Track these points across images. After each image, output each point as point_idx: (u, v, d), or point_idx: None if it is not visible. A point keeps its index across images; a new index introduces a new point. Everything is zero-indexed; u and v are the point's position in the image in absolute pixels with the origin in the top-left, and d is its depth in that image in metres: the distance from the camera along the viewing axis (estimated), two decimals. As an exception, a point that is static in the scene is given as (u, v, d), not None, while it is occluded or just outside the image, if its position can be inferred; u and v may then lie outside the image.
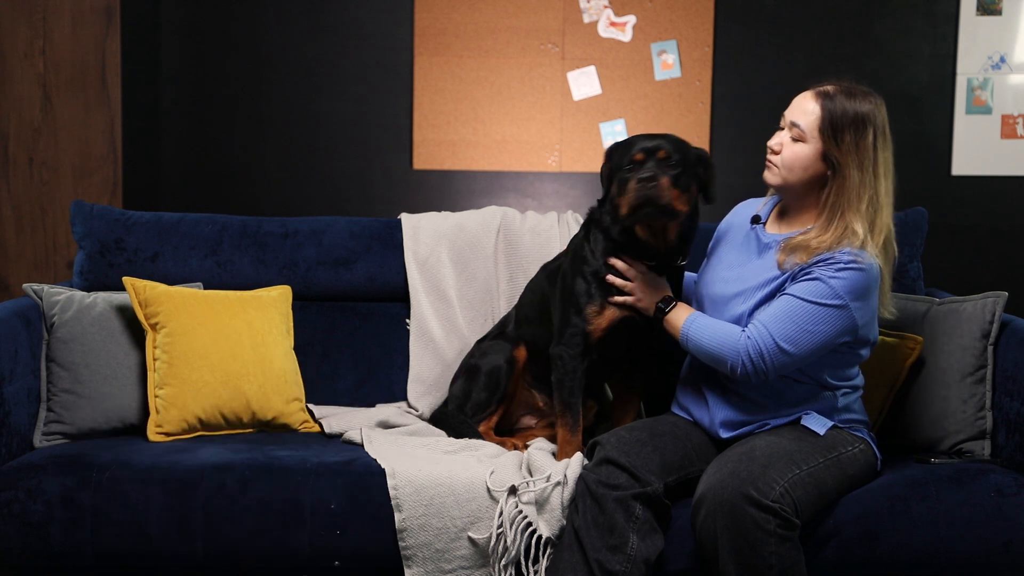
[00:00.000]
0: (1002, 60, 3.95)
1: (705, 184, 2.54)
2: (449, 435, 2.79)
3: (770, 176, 2.46)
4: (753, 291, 2.42)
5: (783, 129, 2.45)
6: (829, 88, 2.41)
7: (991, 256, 4.01)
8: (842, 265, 2.32)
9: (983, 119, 3.97)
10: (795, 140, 2.40)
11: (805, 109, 2.40)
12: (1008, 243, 4.02)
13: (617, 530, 2.24)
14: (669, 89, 4.01)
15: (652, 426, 2.47)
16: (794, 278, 2.37)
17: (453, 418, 2.83)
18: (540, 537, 2.35)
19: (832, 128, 2.36)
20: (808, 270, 2.35)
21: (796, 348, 2.32)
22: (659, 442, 2.39)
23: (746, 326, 2.38)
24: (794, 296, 2.34)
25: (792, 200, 2.47)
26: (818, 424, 2.41)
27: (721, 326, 2.40)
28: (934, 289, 3.15)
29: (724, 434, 2.45)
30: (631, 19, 4.00)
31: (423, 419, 2.93)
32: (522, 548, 2.35)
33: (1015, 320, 2.62)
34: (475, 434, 2.75)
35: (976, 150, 3.97)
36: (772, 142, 2.45)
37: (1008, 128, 3.97)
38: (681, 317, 2.46)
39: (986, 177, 3.99)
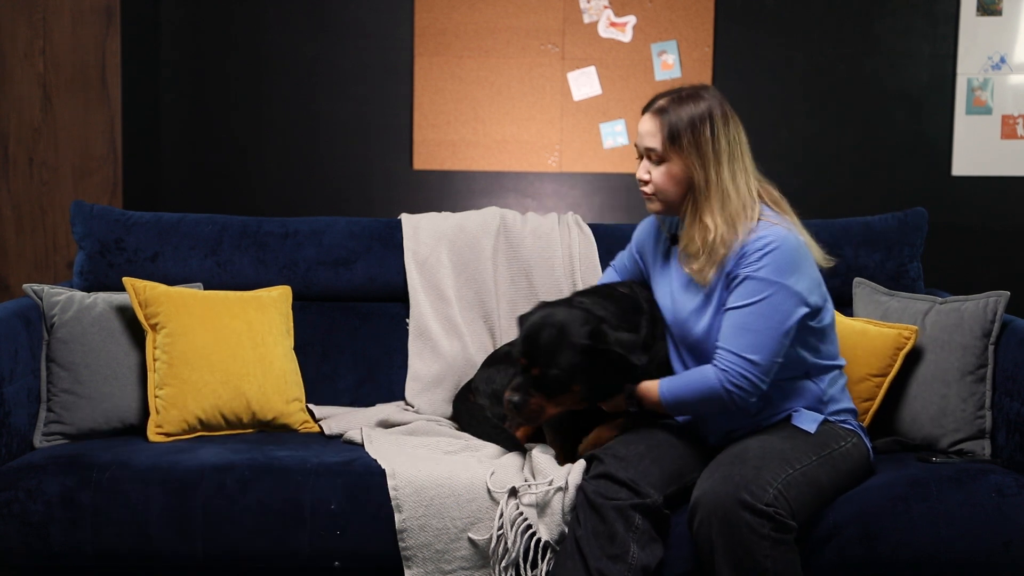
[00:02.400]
0: (1002, 60, 3.95)
1: (602, 366, 2.43)
2: (463, 427, 2.79)
3: (652, 205, 2.48)
4: (702, 307, 2.44)
5: (642, 159, 2.47)
6: (663, 103, 2.45)
7: (991, 256, 4.02)
8: (759, 254, 2.34)
9: (983, 119, 3.97)
10: (658, 163, 2.43)
11: (651, 131, 2.44)
12: (1008, 243, 4.02)
13: (618, 539, 2.24)
14: (669, 89, 4.01)
15: (649, 437, 2.45)
16: (727, 288, 2.39)
17: (482, 409, 2.78)
18: (540, 540, 2.35)
19: (672, 139, 2.41)
20: (734, 274, 2.37)
21: (763, 351, 2.32)
22: (656, 453, 2.38)
23: (713, 351, 2.39)
24: (735, 307, 2.35)
25: (682, 217, 2.49)
26: (809, 422, 2.41)
27: (690, 376, 2.39)
28: (934, 289, 3.15)
29: (717, 443, 2.46)
30: (631, 19, 4.01)
31: (421, 414, 2.93)
32: (522, 550, 2.35)
33: (1015, 320, 2.63)
34: (503, 430, 2.71)
35: (976, 150, 3.98)
36: (640, 174, 2.47)
37: (1008, 128, 3.97)
38: (653, 394, 2.43)
39: (986, 177, 3.99)
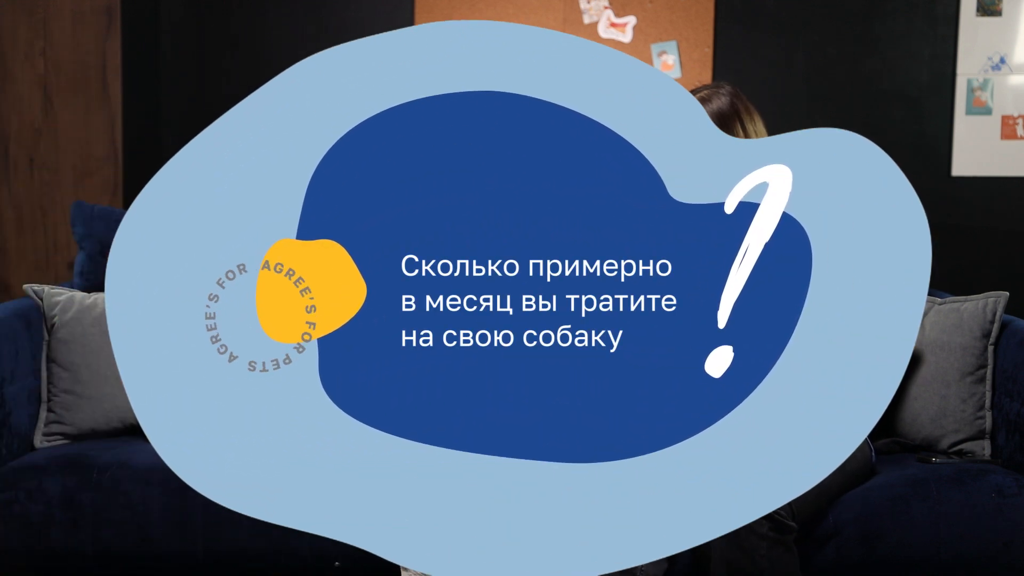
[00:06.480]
0: (1002, 61, 3.95)
1: None
2: None
3: None
4: None
5: None
6: None
7: (991, 256, 4.02)
8: None
9: (983, 120, 3.97)
10: None
11: None
12: (1008, 243, 4.02)
13: None
14: (669, 89, 4.01)
15: None
16: None
17: None
18: None
19: None
20: None
21: None
22: None
23: None
24: None
25: None
26: None
27: None
28: (934, 289, 3.15)
29: None
30: (631, 20, 4.01)
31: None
32: None
33: (1015, 320, 2.62)
34: None
35: (976, 151, 3.97)
36: None
37: (1008, 129, 3.97)
38: None
39: (986, 178, 3.99)
